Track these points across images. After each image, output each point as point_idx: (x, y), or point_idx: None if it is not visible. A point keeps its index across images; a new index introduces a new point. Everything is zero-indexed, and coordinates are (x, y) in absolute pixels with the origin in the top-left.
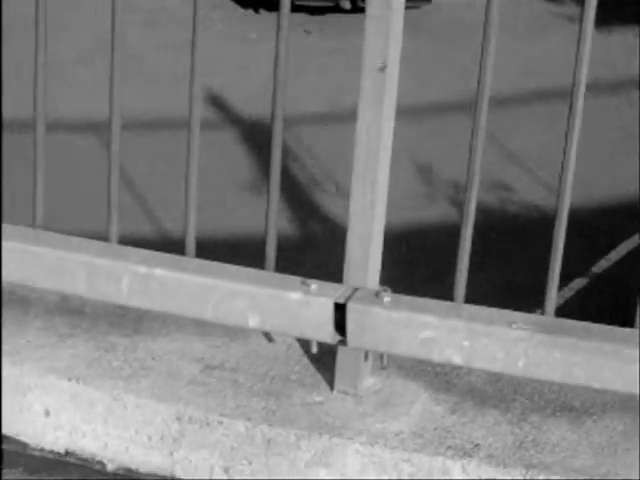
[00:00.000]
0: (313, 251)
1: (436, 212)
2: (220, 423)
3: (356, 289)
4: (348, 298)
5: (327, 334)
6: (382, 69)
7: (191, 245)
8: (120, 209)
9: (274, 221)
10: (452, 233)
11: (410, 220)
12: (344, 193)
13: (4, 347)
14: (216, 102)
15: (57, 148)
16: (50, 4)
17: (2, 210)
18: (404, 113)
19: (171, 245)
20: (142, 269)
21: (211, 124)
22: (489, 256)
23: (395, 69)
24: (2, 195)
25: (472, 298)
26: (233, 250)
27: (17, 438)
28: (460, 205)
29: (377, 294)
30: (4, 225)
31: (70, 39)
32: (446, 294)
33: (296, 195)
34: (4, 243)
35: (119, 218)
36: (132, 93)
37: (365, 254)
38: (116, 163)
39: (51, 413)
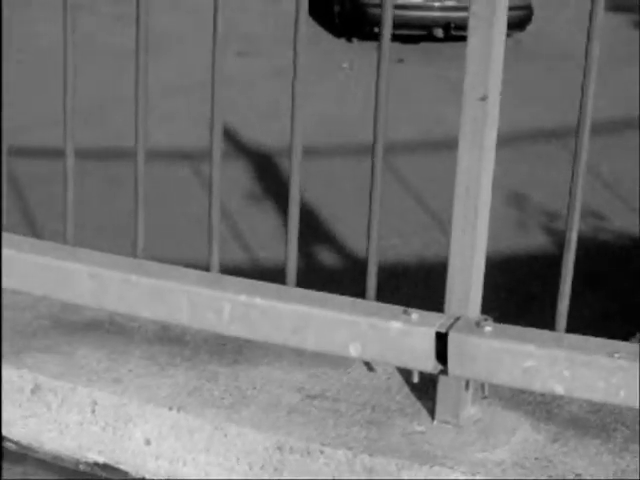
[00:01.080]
0: (409, 279)
1: (529, 240)
2: (321, 452)
3: (457, 318)
4: (449, 327)
5: (428, 363)
6: (483, 98)
7: (292, 274)
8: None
9: (375, 250)
10: (546, 261)
11: (503, 248)
12: (442, 224)
13: (108, 376)
14: (309, 130)
15: (155, 178)
16: (155, 34)
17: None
18: (497, 139)
19: (264, 274)
20: (243, 298)
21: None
22: (583, 284)
23: (496, 98)
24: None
25: (568, 326)
26: (328, 279)
27: (118, 467)
28: (553, 233)
29: (478, 324)
30: (105, 254)
31: (172, 69)
32: (540, 322)
33: (390, 223)
34: (106, 272)
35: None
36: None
37: (466, 283)
38: (217, 193)
39: (152, 442)
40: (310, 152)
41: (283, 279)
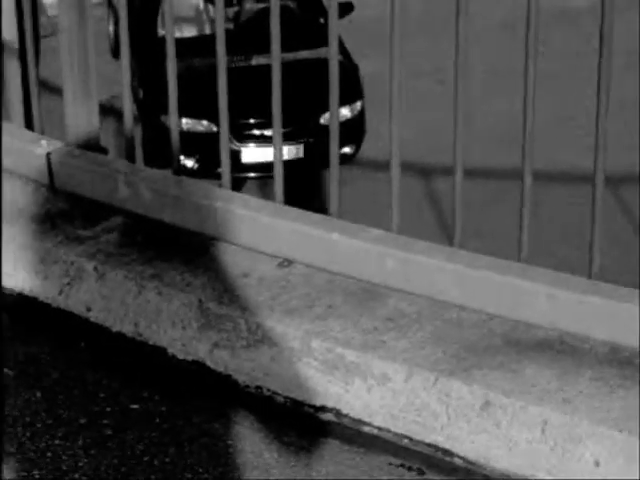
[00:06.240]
0: None
1: None
2: None
3: None
4: None
5: None
6: None
7: None
8: None
9: None
10: None
11: None
12: None
13: (558, 396)
14: None
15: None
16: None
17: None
18: None
19: None
20: None
21: None
22: None
23: None
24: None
25: None
26: None
27: None
28: None
29: None
30: (557, 274)
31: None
32: None
33: None
34: (561, 293)
35: None
36: None
37: None
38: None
39: (601, 463)
40: None
41: None
